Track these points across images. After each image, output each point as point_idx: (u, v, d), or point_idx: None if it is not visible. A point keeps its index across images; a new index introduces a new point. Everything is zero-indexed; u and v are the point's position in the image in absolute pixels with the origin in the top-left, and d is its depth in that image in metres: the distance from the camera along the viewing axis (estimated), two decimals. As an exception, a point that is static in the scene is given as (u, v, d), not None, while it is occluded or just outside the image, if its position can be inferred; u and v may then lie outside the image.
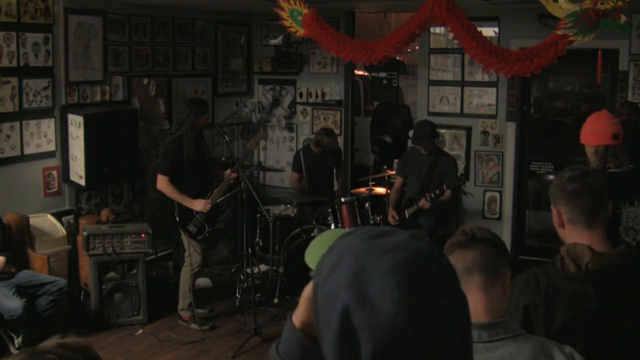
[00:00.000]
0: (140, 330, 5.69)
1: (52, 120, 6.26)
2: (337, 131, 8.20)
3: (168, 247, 7.21)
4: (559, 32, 4.33)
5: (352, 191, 7.38)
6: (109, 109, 6.61)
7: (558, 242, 2.24)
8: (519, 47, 6.30)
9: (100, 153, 6.32)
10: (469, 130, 7.67)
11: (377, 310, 0.88)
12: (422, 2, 4.74)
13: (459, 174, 6.01)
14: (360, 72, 11.16)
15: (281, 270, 6.38)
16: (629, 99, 6.72)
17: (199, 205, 5.63)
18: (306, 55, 8.34)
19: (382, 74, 11.13)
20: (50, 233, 6.00)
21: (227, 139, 6.26)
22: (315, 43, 5.55)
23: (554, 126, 7.81)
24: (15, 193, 5.99)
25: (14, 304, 4.98)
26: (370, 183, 6.83)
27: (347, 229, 1.06)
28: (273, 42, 8.47)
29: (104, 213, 6.32)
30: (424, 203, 5.74)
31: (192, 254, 5.72)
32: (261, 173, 8.59)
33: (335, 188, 7.29)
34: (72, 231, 6.03)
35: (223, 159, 7.53)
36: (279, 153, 8.62)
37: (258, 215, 6.60)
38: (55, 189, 6.35)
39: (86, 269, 5.86)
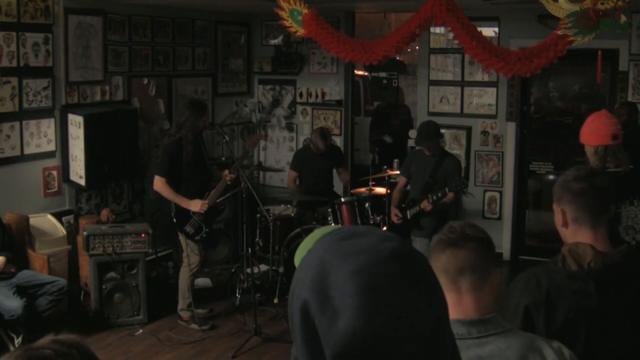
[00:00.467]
0: (140, 330, 5.69)
1: (52, 120, 6.26)
2: (337, 131, 8.21)
3: (168, 247, 7.21)
4: (559, 32, 4.33)
5: (352, 191, 7.37)
6: (109, 109, 6.61)
7: (558, 242, 2.24)
8: (519, 47, 6.31)
9: (100, 153, 6.32)
10: (469, 130, 7.68)
11: (337, 315, 0.87)
12: (422, 2, 4.74)
13: (462, 177, 6.00)
14: (360, 72, 11.16)
15: (281, 270, 6.38)
16: (629, 99, 6.73)
17: (196, 206, 5.62)
18: (306, 55, 8.34)
19: (382, 74, 11.14)
20: (50, 233, 6.00)
21: (227, 139, 6.25)
22: (315, 43, 5.55)
23: (554, 126, 7.81)
24: (15, 193, 5.99)
25: (14, 304, 4.97)
26: (370, 183, 6.82)
27: (325, 228, 1.05)
28: (273, 42, 8.47)
29: (104, 213, 6.32)
30: (426, 205, 5.73)
31: (190, 255, 5.72)
32: (261, 173, 8.59)
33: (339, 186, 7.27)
34: (72, 231, 6.03)
35: (223, 159, 7.53)
36: (279, 153, 8.62)
37: (258, 215, 6.59)
38: (55, 189, 6.36)
39: (86, 269, 5.86)
